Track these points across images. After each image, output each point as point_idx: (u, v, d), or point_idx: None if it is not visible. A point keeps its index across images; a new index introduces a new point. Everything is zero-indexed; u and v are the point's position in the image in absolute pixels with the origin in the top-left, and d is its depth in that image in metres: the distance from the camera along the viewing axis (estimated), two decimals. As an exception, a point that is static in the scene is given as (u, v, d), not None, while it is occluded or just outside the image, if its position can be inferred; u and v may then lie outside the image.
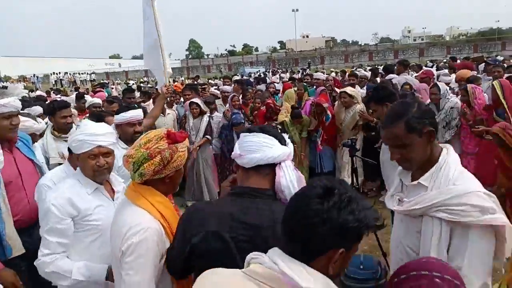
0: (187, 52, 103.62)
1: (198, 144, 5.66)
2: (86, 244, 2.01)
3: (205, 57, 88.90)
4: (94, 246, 2.01)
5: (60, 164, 2.88)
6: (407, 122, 1.58)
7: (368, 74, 8.88)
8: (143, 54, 3.90)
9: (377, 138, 4.97)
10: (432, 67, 13.98)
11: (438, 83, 5.45)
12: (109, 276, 1.91)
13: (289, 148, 1.50)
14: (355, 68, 20.88)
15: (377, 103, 3.35)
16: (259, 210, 1.37)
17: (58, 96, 9.29)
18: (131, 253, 1.51)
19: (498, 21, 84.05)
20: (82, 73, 42.28)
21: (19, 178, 2.70)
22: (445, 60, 23.05)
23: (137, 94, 8.78)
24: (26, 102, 6.81)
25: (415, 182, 1.66)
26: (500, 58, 17.87)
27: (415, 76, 7.79)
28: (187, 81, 14.62)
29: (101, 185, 2.09)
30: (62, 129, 3.58)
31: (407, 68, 7.80)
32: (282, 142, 1.50)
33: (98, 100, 5.61)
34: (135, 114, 3.06)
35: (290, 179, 1.42)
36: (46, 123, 3.79)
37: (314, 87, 7.92)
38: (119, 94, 12.11)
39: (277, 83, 11.04)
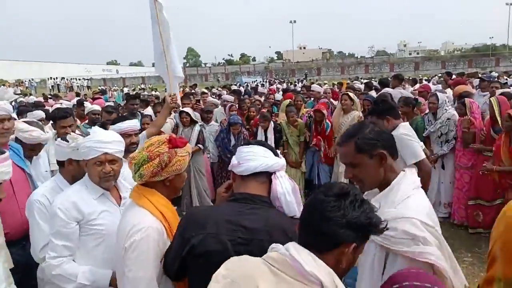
0: (185, 60, 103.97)
1: None
2: (90, 248, 2.04)
3: (203, 65, 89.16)
4: (98, 251, 2.04)
5: None
6: (356, 142, 1.59)
7: (362, 87, 8.97)
8: (154, 60, 3.82)
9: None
10: (428, 82, 14.19)
11: (437, 93, 5.49)
12: (112, 282, 1.94)
13: (283, 161, 1.63)
14: (351, 80, 21.07)
15: (379, 117, 3.36)
16: (257, 215, 1.45)
17: (59, 103, 9.20)
18: (133, 250, 1.57)
19: (492, 37, 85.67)
20: (79, 79, 42.27)
21: (10, 189, 2.49)
22: (439, 75, 23.38)
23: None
24: (25, 107, 6.83)
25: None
26: (494, 74, 18.15)
27: (411, 91, 7.89)
28: (187, 89, 14.67)
29: (107, 191, 2.12)
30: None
31: (402, 82, 7.90)
32: (276, 155, 1.63)
33: (97, 107, 5.65)
34: (132, 125, 3.02)
35: (285, 187, 1.53)
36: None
37: (312, 99, 8.01)
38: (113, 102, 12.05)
39: (277, 93, 11.16)
